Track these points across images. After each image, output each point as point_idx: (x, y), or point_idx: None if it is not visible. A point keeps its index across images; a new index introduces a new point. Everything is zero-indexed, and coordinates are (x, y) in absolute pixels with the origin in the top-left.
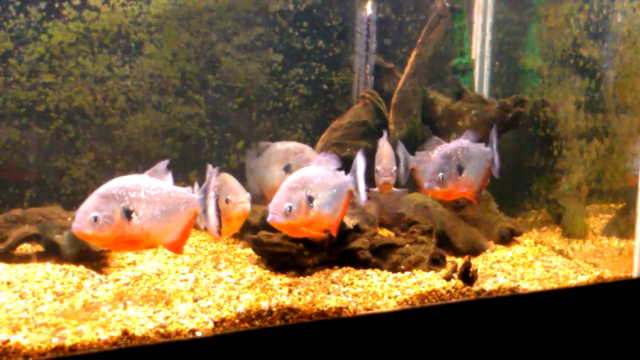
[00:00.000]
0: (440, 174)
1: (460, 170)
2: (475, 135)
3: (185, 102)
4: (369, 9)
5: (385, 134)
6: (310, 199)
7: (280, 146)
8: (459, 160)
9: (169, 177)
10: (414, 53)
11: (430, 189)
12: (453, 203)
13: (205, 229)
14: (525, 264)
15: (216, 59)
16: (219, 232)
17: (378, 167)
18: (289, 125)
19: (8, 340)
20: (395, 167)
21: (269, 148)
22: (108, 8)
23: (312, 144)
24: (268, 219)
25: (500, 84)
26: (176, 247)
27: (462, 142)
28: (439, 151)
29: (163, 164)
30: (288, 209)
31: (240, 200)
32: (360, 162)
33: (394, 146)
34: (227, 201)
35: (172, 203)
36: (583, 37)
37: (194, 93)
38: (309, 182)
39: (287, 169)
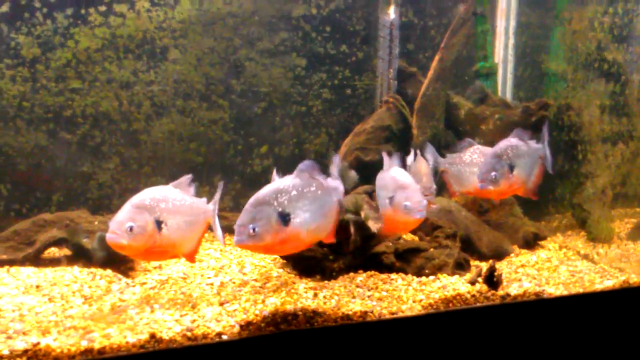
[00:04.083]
0: (493, 173)
1: (511, 168)
2: (525, 133)
3: (209, 107)
4: (391, 14)
5: (413, 152)
6: None
7: None
8: (509, 159)
9: (192, 190)
10: (437, 57)
11: (484, 189)
12: (477, 207)
13: None
14: (550, 269)
15: (240, 64)
16: (224, 242)
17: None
18: (312, 129)
19: (38, 343)
20: (434, 186)
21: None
22: (133, 14)
23: (336, 148)
24: (417, 216)
25: (524, 87)
26: (191, 256)
27: (512, 141)
28: (490, 151)
29: (186, 178)
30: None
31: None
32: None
33: (422, 148)
34: None
35: (194, 213)
36: (607, 40)
37: (218, 98)
38: None
39: None
